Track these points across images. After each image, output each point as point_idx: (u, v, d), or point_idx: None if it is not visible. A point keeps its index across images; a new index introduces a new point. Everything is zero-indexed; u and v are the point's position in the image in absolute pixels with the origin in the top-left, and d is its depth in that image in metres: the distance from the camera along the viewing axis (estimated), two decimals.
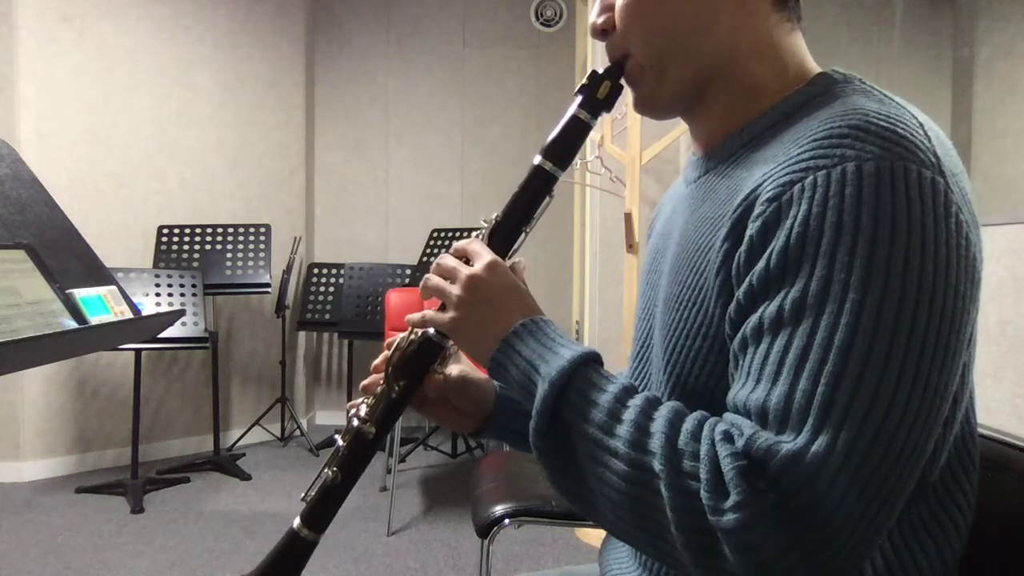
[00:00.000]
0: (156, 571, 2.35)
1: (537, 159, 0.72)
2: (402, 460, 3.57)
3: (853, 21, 2.55)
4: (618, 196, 2.68)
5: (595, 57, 2.88)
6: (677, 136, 2.59)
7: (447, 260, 0.71)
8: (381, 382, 0.76)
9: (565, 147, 0.72)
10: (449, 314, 0.68)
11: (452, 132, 4.46)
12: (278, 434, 3.96)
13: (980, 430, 0.64)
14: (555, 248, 4.24)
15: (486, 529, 1.42)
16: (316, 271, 4.14)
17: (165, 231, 3.44)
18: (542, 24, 4.39)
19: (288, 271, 3.84)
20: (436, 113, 4.46)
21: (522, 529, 1.55)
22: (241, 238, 3.49)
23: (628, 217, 2.53)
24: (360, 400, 0.77)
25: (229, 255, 3.45)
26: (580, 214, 3.84)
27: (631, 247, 2.56)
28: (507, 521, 1.41)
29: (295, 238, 4.00)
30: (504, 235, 0.73)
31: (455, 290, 0.68)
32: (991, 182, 2.01)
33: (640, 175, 2.58)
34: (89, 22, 3.36)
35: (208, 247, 3.45)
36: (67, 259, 1.12)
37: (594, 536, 2.58)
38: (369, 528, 2.70)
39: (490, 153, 4.45)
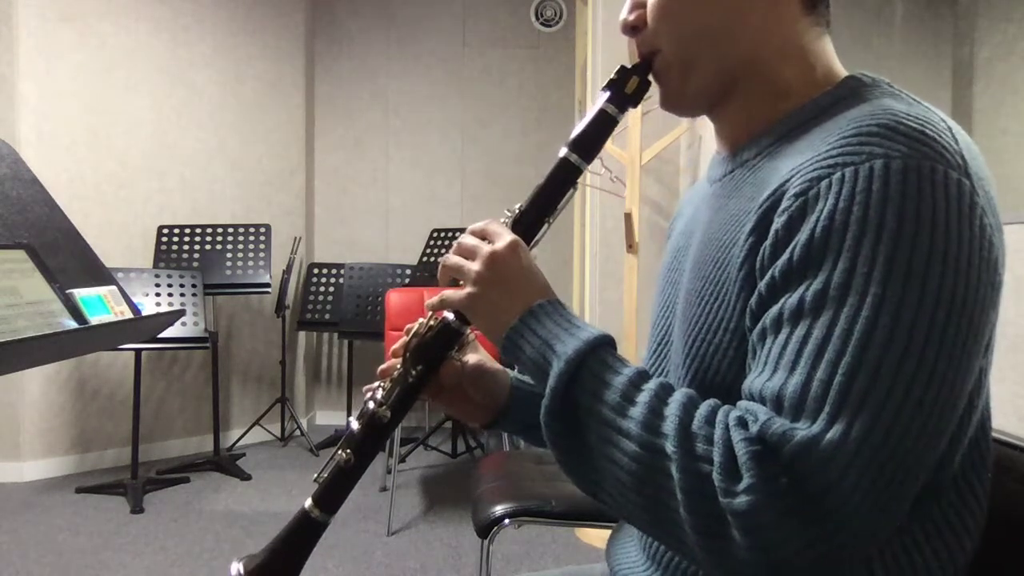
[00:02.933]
0: (156, 571, 2.35)
1: (563, 151, 0.72)
2: (402, 460, 3.57)
3: (853, 21, 2.55)
4: (618, 196, 2.68)
5: (595, 57, 2.88)
6: (677, 136, 2.59)
7: (467, 239, 0.71)
8: (398, 366, 0.76)
9: (592, 140, 0.73)
10: (466, 290, 0.68)
11: (452, 132, 4.46)
12: (278, 434, 3.96)
13: (991, 436, 0.64)
14: (555, 248, 4.24)
15: (486, 529, 1.42)
16: (316, 271, 4.14)
17: (165, 231, 3.44)
18: (542, 24, 4.39)
19: (288, 271, 3.84)
20: (436, 113, 4.46)
21: (522, 529, 1.55)
22: (241, 238, 3.49)
23: (628, 217, 2.53)
24: (376, 384, 0.78)
25: (229, 255, 3.45)
26: (580, 214, 3.84)
27: (631, 247, 2.55)
28: (507, 521, 1.41)
29: (295, 238, 4.00)
30: (527, 225, 0.73)
31: (475, 266, 0.68)
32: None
33: (640, 175, 2.58)
34: (89, 22, 3.36)
35: (208, 247, 3.45)
36: (67, 259, 1.12)
37: (594, 536, 2.58)
38: (369, 528, 2.70)
39: (490, 153, 4.45)
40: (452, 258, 0.70)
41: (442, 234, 3.89)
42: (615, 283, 2.76)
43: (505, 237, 0.69)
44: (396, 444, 2.94)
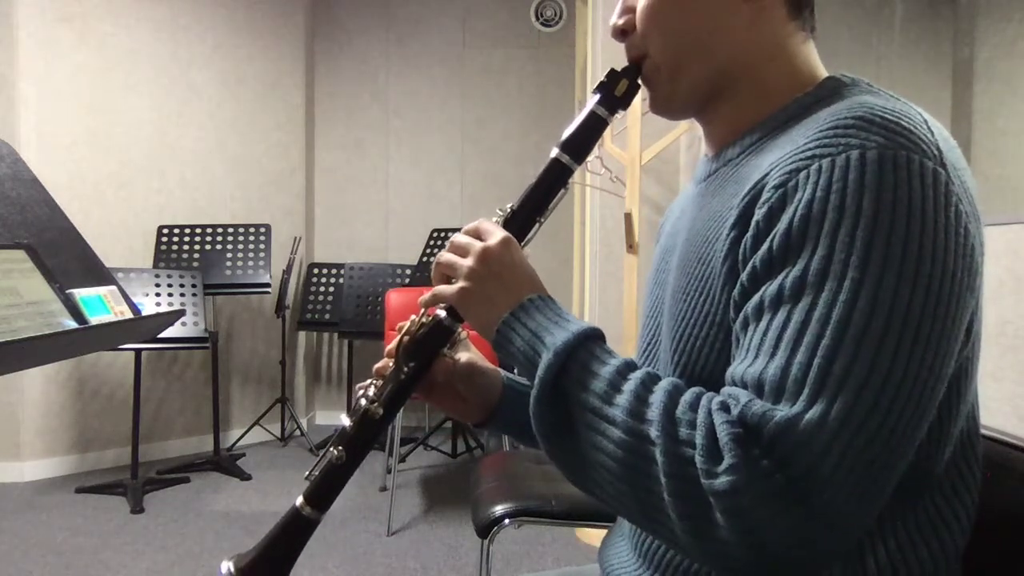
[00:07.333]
0: (156, 571, 2.35)
1: (555, 152, 0.74)
2: (402, 460, 3.57)
3: (853, 21, 2.55)
4: (618, 196, 2.68)
5: (595, 57, 2.88)
6: (677, 136, 2.59)
7: (460, 238, 0.72)
8: (391, 364, 0.77)
9: (583, 141, 0.75)
10: (459, 284, 0.69)
11: (452, 132, 4.46)
12: (278, 434, 3.96)
13: (980, 430, 0.64)
14: (555, 248, 4.23)
15: (486, 529, 1.42)
16: (316, 271, 4.14)
17: (165, 231, 3.44)
18: (542, 24, 4.39)
19: (288, 271, 3.84)
20: (436, 113, 4.46)
21: (522, 529, 1.55)
22: (241, 238, 3.49)
23: (628, 217, 2.53)
24: (369, 381, 0.78)
25: (229, 255, 3.45)
26: (580, 214, 3.83)
27: (631, 247, 2.55)
28: (507, 521, 1.41)
29: (295, 238, 4.00)
30: (519, 224, 0.74)
31: (467, 262, 0.69)
32: (991, 182, 2.01)
33: (640, 175, 2.58)
34: (89, 22, 3.36)
35: (208, 247, 3.45)
36: (67, 259, 1.12)
37: (594, 536, 2.58)
38: (369, 528, 2.70)
39: (490, 153, 4.45)
40: (445, 255, 0.72)
41: (442, 234, 3.89)
42: (615, 283, 2.76)
43: (497, 234, 0.70)
44: (396, 444, 2.94)
